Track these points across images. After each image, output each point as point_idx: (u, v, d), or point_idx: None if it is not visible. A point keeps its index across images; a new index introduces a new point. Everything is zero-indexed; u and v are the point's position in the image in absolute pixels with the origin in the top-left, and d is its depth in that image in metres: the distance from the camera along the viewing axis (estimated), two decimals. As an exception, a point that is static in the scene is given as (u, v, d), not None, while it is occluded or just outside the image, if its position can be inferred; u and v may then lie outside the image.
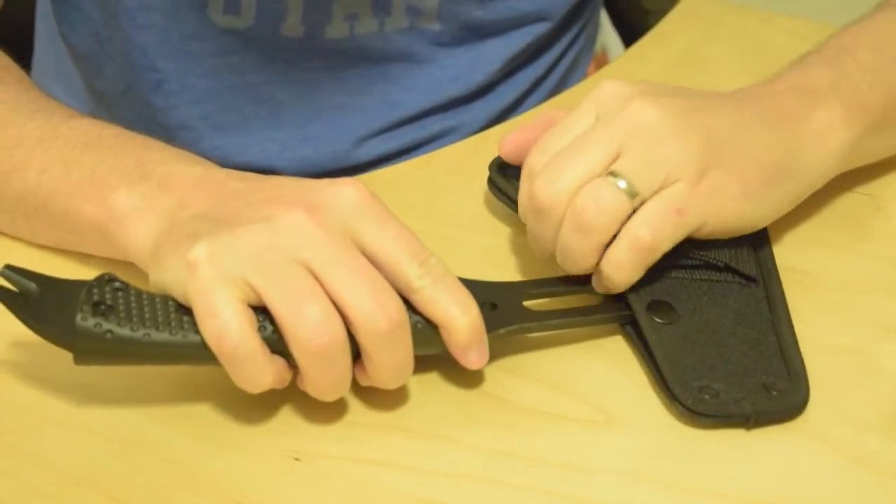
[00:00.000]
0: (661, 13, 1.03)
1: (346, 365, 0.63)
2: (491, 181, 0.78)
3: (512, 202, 0.76)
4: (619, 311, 0.71)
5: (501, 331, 0.68)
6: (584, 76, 1.07)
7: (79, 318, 0.62)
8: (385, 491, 0.63)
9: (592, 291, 0.71)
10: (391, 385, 0.65)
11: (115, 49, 0.93)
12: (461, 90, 0.97)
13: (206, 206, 0.66)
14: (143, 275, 0.66)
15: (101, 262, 0.72)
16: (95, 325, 0.62)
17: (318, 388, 0.64)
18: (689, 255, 0.71)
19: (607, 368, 0.69)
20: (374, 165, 0.97)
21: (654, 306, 0.69)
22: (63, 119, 0.74)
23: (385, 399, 0.66)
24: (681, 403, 0.65)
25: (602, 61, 1.53)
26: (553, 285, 0.72)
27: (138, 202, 0.68)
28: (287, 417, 0.66)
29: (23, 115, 0.75)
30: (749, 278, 0.72)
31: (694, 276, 0.71)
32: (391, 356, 0.63)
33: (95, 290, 0.63)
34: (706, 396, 0.65)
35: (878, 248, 0.78)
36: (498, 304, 0.68)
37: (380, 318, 0.62)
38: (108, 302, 0.62)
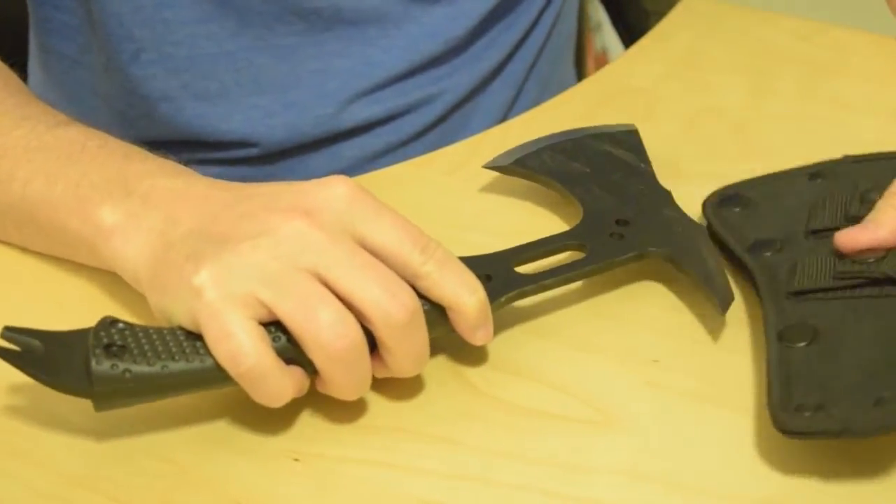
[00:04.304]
0: (661, 14, 1.03)
1: (367, 363, 0.63)
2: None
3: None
4: (609, 258, 0.71)
5: (503, 298, 0.68)
6: (569, 48, 1.08)
7: (94, 363, 0.61)
8: (385, 491, 0.63)
9: (578, 247, 0.72)
10: (411, 373, 0.65)
11: (94, 19, 0.93)
12: (441, 47, 0.96)
13: (197, 222, 0.65)
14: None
15: (94, 271, 0.72)
16: (112, 367, 0.61)
17: (340, 390, 0.64)
18: (848, 273, 0.69)
19: (607, 368, 0.69)
20: (359, 132, 0.97)
21: (792, 329, 0.67)
22: (49, 128, 0.74)
23: (384, 400, 0.66)
24: (774, 423, 0.62)
25: (602, 61, 1.52)
26: (541, 246, 0.72)
27: (123, 219, 0.67)
28: (287, 418, 0.65)
29: (9, 121, 0.74)
30: None
31: (851, 295, 0.68)
32: (411, 344, 0.64)
33: (103, 334, 0.62)
34: (806, 413, 0.62)
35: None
36: (492, 275, 0.69)
37: (396, 309, 0.62)
38: (119, 342, 0.62)
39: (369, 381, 0.64)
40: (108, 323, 0.63)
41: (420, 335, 0.64)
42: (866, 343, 0.66)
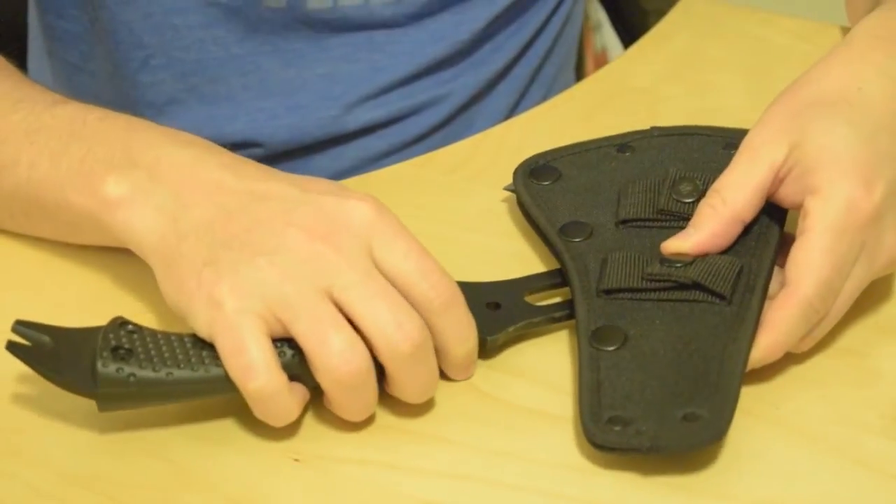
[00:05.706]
0: (660, 13, 1.03)
1: (373, 388, 0.64)
2: (519, 193, 0.77)
3: (534, 221, 0.75)
4: None
5: (511, 329, 0.68)
6: (573, 52, 1.08)
7: (99, 364, 0.62)
8: (385, 492, 0.63)
9: None
10: (417, 401, 0.66)
11: (102, 28, 0.93)
12: (447, 51, 0.97)
13: (209, 213, 0.66)
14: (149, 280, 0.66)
15: (95, 271, 0.72)
16: (117, 370, 0.62)
17: (343, 412, 0.64)
18: (657, 275, 0.69)
19: (607, 369, 0.69)
20: (363, 134, 0.97)
21: (603, 332, 0.67)
22: (46, 107, 0.74)
23: (385, 400, 0.66)
24: (585, 434, 0.63)
25: (602, 61, 1.52)
26: (552, 278, 0.72)
27: (129, 191, 0.68)
28: (287, 418, 0.66)
29: (7, 104, 0.74)
30: (719, 296, 0.68)
31: (659, 297, 0.68)
32: (415, 375, 0.64)
33: (111, 336, 0.63)
34: (616, 428, 0.62)
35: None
36: (501, 303, 0.69)
37: (400, 340, 0.63)
38: (126, 346, 0.62)
39: (374, 405, 0.65)
40: (118, 325, 0.63)
41: (425, 367, 0.64)
42: (674, 351, 0.66)
